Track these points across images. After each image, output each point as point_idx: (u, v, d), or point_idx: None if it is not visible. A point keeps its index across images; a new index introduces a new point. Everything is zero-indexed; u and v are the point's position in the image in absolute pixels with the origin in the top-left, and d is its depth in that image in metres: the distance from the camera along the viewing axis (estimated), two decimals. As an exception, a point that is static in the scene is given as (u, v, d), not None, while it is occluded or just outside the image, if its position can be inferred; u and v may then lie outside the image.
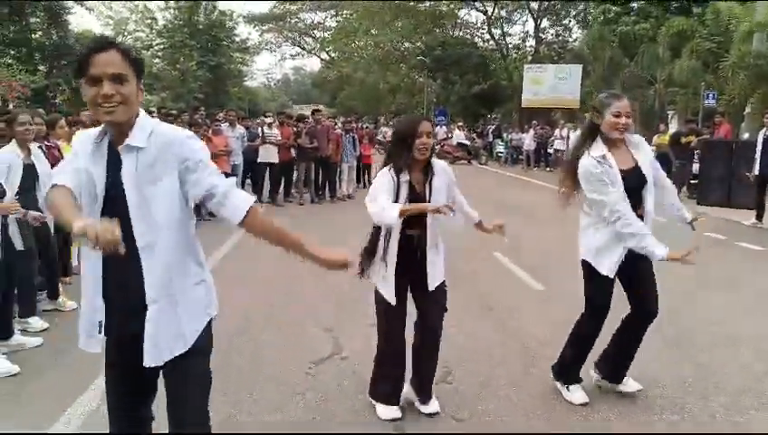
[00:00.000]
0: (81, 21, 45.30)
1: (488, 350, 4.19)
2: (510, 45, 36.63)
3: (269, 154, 11.35)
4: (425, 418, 3.21)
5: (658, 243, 3.09)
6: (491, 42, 36.67)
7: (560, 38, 35.54)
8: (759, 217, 9.55)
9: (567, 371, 3.48)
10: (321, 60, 49.50)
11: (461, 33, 37.98)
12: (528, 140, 21.66)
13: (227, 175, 8.36)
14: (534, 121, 22.68)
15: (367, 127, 21.71)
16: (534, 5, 34.08)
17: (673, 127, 15.81)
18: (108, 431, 2.06)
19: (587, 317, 3.39)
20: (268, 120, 11.92)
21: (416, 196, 3.03)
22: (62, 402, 3.35)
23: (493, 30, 36.05)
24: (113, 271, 1.85)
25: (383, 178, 3.00)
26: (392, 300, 3.06)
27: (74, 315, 4.90)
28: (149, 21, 35.36)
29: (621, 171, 3.14)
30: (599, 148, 3.20)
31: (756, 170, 9.41)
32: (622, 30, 24.73)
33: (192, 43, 32.43)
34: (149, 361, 1.87)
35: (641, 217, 3.18)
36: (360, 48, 42.71)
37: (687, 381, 3.71)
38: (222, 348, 4.21)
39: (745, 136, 13.95)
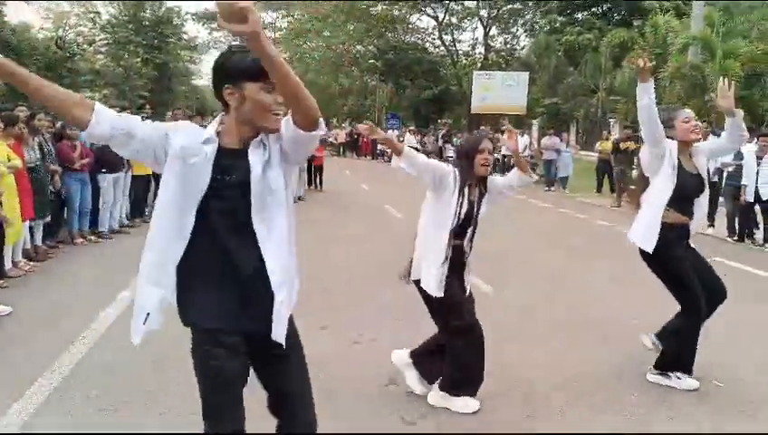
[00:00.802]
0: (18, 13, 43.17)
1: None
2: (460, 52, 37.21)
3: None
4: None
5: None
6: (441, 48, 37.17)
7: (508, 46, 36.34)
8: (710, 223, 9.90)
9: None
10: (272, 60, 48.94)
11: (412, 39, 38.31)
12: (476, 145, 22.01)
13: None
14: (483, 127, 23.06)
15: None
16: (484, 13, 34.75)
17: (615, 134, 16.39)
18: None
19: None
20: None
21: (469, 207, 3.24)
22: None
23: (443, 36, 36.56)
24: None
25: (447, 169, 3.21)
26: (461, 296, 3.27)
27: (6, 320, 4.70)
28: (92, 15, 34.15)
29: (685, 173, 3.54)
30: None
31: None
32: (567, 39, 25.55)
33: (137, 39, 31.51)
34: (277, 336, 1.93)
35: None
36: (312, 49, 42.47)
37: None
38: (164, 348, 4.10)
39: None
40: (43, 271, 6.30)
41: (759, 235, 8.94)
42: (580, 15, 27.69)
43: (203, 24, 42.19)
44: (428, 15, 36.53)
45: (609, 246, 8.40)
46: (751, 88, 16.33)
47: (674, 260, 3.59)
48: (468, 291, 3.37)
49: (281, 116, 1.85)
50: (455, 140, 24.53)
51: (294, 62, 43.70)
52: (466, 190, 3.21)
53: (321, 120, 1.86)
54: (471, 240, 3.32)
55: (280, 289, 1.92)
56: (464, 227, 3.24)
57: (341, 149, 29.40)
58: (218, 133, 1.92)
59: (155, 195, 9.99)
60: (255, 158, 1.88)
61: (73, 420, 3.16)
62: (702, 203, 3.72)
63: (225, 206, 1.89)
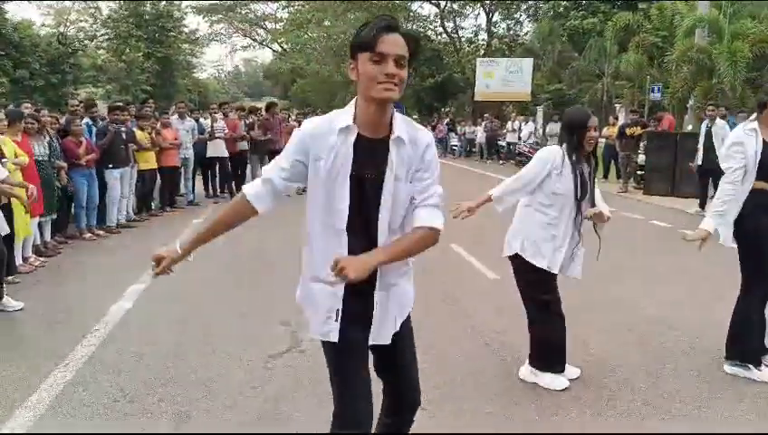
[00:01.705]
0: (19, 10, 43.11)
1: (447, 339, 4.22)
2: (463, 39, 36.94)
3: (218, 148, 11.11)
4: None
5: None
6: (444, 35, 36.89)
7: (511, 32, 36.02)
8: (702, 205, 9.92)
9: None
10: (273, 51, 48.80)
11: (414, 27, 38.05)
12: (480, 133, 21.90)
13: (176, 169, 8.16)
14: (486, 115, 22.94)
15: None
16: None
17: (621, 119, 16.26)
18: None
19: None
20: (217, 115, 11.58)
21: (582, 180, 3.31)
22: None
23: (445, 23, 36.28)
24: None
25: (548, 160, 3.29)
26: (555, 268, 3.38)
27: (20, 316, 4.72)
28: (93, 10, 34.07)
29: None
30: None
31: (699, 161, 9.80)
32: (571, 24, 25.28)
33: (138, 33, 31.42)
34: (375, 339, 2.00)
35: None
36: (313, 40, 42.27)
37: (647, 365, 3.82)
38: (176, 341, 4.12)
39: (689, 128, 14.48)
40: (52, 266, 6.32)
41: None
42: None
43: (203, 17, 42.03)
44: (430, 3, 36.26)
45: (616, 232, 8.36)
46: (760, 69, 16.14)
47: None
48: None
49: (391, 86, 1.80)
50: (458, 128, 24.43)
51: (295, 52, 43.65)
52: (577, 166, 3.29)
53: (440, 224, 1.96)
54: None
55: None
56: (579, 201, 3.33)
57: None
58: (354, 119, 1.89)
59: (161, 189, 10.02)
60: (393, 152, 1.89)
61: (90, 410, 3.17)
62: None
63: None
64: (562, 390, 3.42)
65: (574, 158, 3.29)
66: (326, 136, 1.88)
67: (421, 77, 34.31)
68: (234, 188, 11.42)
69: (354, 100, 1.93)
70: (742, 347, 3.66)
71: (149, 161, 9.17)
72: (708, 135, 9.67)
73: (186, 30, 37.89)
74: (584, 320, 4.43)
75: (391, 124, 1.89)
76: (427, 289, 5.32)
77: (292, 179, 1.99)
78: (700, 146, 9.81)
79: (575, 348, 3.75)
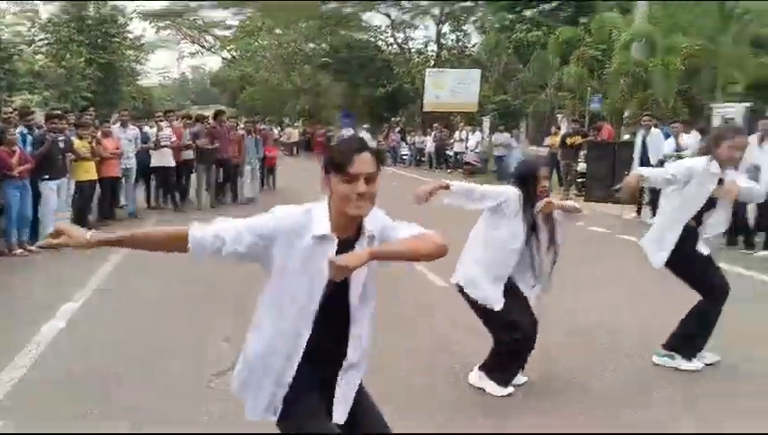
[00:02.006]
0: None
1: (398, 348, 4.25)
2: (413, 49, 37.35)
3: (163, 158, 10.84)
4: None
5: None
6: (394, 46, 37.22)
7: (460, 43, 36.66)
8: (638, 211, 10.33)
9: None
10: (222, 59, 48.15)
11: (365, 37, 38.26)
12: (430, 143, 22.19)
13: (117, 180, 7.93)
14: (436, 125, 23.25)
15: (270, 128, 21.44)
16: (436, 11, 34.97)
17: (563, 129, 16.76)
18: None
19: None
20: (163, 123, 11.30)
21: (530, 227, 3.48)
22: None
23: (396, 34, 36.64)
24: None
25: (512, 194, 3.45)
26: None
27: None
28: (31, 14, 32.82)
29: None
30: None
31: (635, 168, 10.20)
32: (517, 37, 25.93)
33: (80, 38, 30.43)
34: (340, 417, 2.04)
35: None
36: (264, 47, 41.93)
37: (590, 368, 3.94)
38: (112, 363, 4.00)
39: (626, 137, 15.04)
40: (-20, 284, 6.04)
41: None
42: (528, 13, 28.15)
43: (149, 23, 41.15)
44: (381, 13, 36.55)
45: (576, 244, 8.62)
46: (690, 82, 16.95)
47: None
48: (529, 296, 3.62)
49: (363, 204, 1.93)
50: (408, 137, 24.66)
51: (245, 60, 43.17)
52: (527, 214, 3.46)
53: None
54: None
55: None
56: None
57: (294, 149, 29.13)
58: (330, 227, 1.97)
59: (100, 200, 9.67)
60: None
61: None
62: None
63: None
64: (507, 395, 3.51)
65: (530, 205, 3.46)
66: (301, 235, 1.95)
67: (372, 87, 34.50)
68: (178, 199, 11.18)
69: (327, 204, 2.00)
70: (690, 345, 3.90)
71: (89, 172, 8.88)
72: (644, 144, 10.10)
73: (131, 36, 36.96)
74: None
75: (360, 223, 2.00)
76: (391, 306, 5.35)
77: (242, 256, 1.98)
78: (636, 155, 10.22)
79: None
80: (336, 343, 2.01)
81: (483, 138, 20.66)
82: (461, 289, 3.57)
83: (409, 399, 3.50)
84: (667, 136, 9.99)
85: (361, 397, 2.13)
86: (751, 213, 7.74)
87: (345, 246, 1.96)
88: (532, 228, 3.48)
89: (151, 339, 4.48)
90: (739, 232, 7.78)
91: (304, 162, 24.76)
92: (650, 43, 15.75)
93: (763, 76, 17.17)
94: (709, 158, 3.82)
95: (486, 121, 23.98)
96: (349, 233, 1.98)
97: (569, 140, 13.50)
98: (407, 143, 24.49)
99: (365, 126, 26.55)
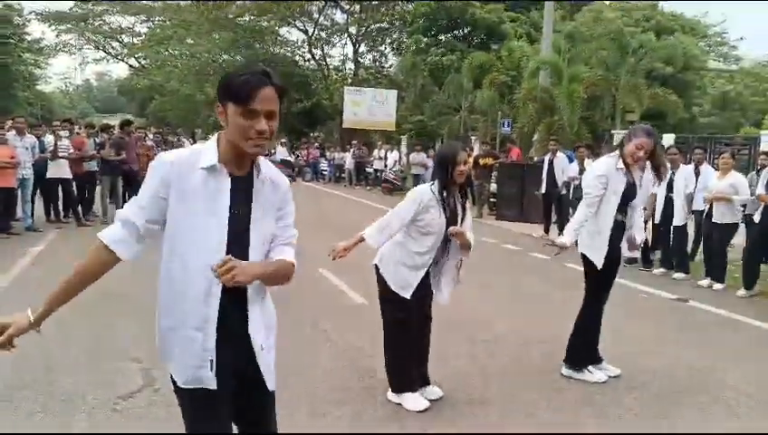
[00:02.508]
0: None
1: (314, 364, 4.19)
2: (330, 66, 37.52)
3: (60, 169, 10.14)
4: None
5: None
6: (312, 62, 37.24)
7: (377, 63, 37.24)
8: (546, 230, 10.83)
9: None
10: (130, 66, 46.19)
11: (282, 51, 38.03)
12: (349, 160, 22.31)
13: (12, 190, 7.43)
14: (354, 142, 23.44)
15: (177, 139, 20.77)
16: (353, 30, 35.37)
17: (476, 150, 17.37)
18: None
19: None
20: (62, 132, 10.57)
21: (451, 213, 3.52)
22: None
23: (313, 50, 36.68)
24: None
25: (418, 196, 3.50)
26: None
27: None
28: None
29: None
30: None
31: (543, 189, 10.77)
32: (432, 60, 26.69)
33: (-30, 38, 28.31)
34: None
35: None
36: (175, 57, 40.65)
37: (503, 377, 4.05)
38: (9, 384, 3.68)
39: (534, 159, 15.80)
40: None
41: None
42: (443, 37, 29.06)
43: (49, 26, 38.85)
44: (298, 29, 36.49)
45: (472, 255, 8.86)
46: (592, 109, 18.12)
47: None
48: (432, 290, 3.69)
49: (261, 142, 1.82)
50: (327, 153, 24.66)
51: (154, 69, 41.66)
52: (447, 200, 3.51)
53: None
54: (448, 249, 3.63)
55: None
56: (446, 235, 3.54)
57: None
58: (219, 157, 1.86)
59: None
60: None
61: None
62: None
63: None
64: (424, 410, 3.54)
65: (445, 193, 3.51)
66: (190, 172, 1.82)
67: (289, 102, 34.24)
68: (80, 212, 10.52)
69: (216, 136, 1.90)
70: (576, 353, 4.15)
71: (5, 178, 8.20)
72: (550, 166, 10.65)
73: (28, 38, 34.76)
74: (443, 338, 4.61)
75: (253, 162, 1.90)
76: (295, 314, 5.26)
77: (153, 219, 1.84)
78: (544, 176, 10.76)
79: (436, 365, 3.89)
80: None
81: (400, 156, 21.02)
82: (377, 268, 3.63)
83: (324, 411, 3.46)
84: (570, 160, 10.58)
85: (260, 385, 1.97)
86: (648, 232, 8.31)
87: (240, 182, 1.87)
88: (452, 213, 3.54)
89: (53, 357, 4.15)
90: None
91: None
92: (556, 72, 16.69)
93: (657, 105, 18.70)
94: (617, 156, 4.02)
95: (404, 141, 24.44)
96: (242, 171, 1.88)
97: (482, 161, 13.98)
98: (326, 159, 24.49)
99: (282, 140, 26.28)
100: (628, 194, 4.02)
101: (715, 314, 6.04)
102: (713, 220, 7.14)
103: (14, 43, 31.78)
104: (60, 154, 10.02)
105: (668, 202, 7.66)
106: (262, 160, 1.92)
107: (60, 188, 10.27)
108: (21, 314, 1.87)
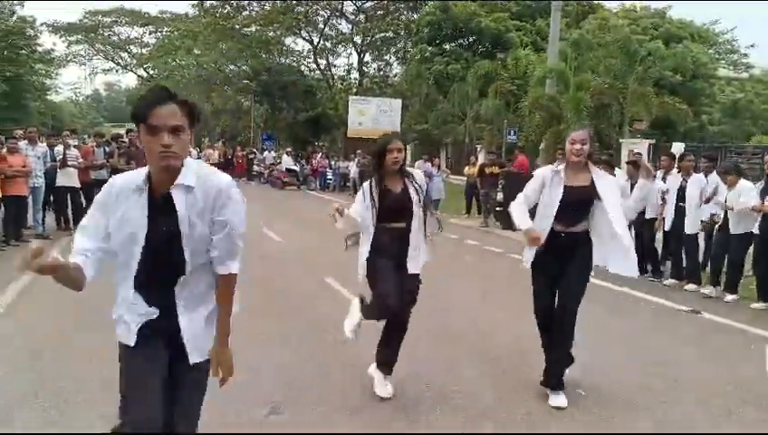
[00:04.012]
0: None
1: (326, 375, 4.18)
2: (335, 76, 37.72)
3: (69, 178, 10.22)
4: None
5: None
6: (317, 71, 37.45)
7: (381, 72, 37.41)
8: None
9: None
10: (138, 76, 46.60)
11: (287, 61, 38.28)
12: (354, 168, 22.33)
13: (23, 199, 7.47)
14: (359, 151, 23.48)
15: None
16: (358, 40, 35.58)
17: (481, 159, 17.37)
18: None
19: None
20: (71, 141, 10.67)
21: (393, 198, 3.70)
22: None
23: (318, 60, 36.89)
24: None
25: (362, 189, 3.78)
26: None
27: None
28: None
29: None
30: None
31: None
32: (436, 69, 26.77)
33: (-17, 50, 28.64)
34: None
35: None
36: (182, 67, 41.00)
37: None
38: (26, 388, 3.69)
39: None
40: None
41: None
42: (448, 46, 29.19)
43: (60, 37, 39.32)
44: (303, 39, 36.73)
45: (478, 263, 8.86)
46: (600, 118, 18.09)
47: None
48: (410, 272, 3.76)
49: (169, 154, 1.93)
50: (332, 162, 24.71)
51: (162, 79, 41.99)
52: (376, 185, 3.70)
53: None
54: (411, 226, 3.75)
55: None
56: (399, 212, 3.71)
57: (214, 171, 28.38)
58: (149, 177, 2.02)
59: (4, 220, 8.94)
60: (180, 203, 2.01)
61: None
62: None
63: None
64: (389, 398, 3.74)
65: (377, 178, 3.72)
66: (127, 192, 2.03)
67: (295, 111, 34.44)
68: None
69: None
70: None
71: (-5, 189, 8.27)
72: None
73: (40, 49, 35.13)
74: (447, 349, 4.61)
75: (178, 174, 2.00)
76: (303, 323, 5.26)
77: (107, 236, 2.06)
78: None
79: (442, 376, 3.84)
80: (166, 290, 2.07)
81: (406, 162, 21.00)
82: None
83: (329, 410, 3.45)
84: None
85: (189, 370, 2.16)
86: (658, 242, 8.25)
87: (164, 199, 2.00)
88: (396, 198, 3.70)
89: (49, 375, 4.16)
90: (646, 260, 8.24)
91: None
92: (563, 80, 16.72)
93: (666, 114, 18.63)
94: (557, 163, 3.94)
95: (409, 150, 24.46)
96: (169, 186, 1.99)
97: (487, 170, 13.96)
98: (331, 168, 24.53)
99: (288, 149, 26.40)
100: (571, 199, 3.71)
101: (731, 327, 5.95)
102: (731, 232, 7.00)
103: (26, 55, 32.10)
104: (69, 163, 10.11)
105: (679, 211, 7.58)
106: (188, 168, 2.00)
107: (68, 197, 10.34)
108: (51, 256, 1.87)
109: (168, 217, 1.99)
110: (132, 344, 2.09)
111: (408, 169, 3.85)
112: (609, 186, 3.77)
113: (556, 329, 3.87)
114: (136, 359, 2.10)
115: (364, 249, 3.76)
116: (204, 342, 2.16)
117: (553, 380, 3.84)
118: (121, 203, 2.01)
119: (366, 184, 3.79)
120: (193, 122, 2.00)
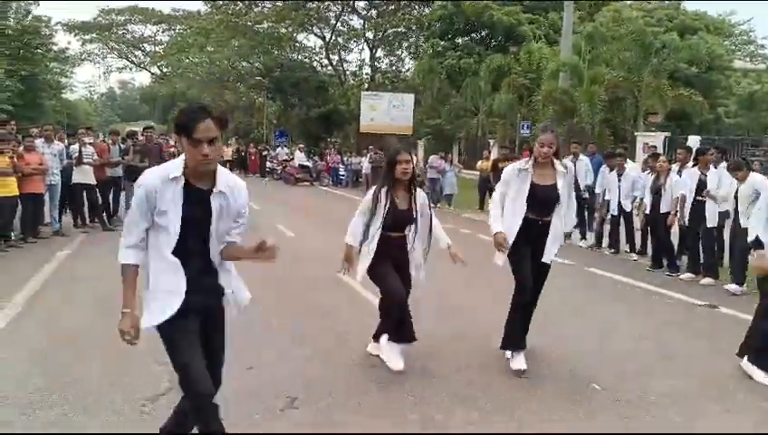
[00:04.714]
0: None
1: (341, 371, 4.19)
2: (347, 72, 37.68)
3: (85, 175, 10.31)
4: None
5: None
6: (329, 67, 37.42)
7: (393, 67, 37.31)
8: (583, 235, 10.54)
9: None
10: (152, 74, 46.90)
11: (300, 57, 38.29)
12: (366, 164, 22.29)
13: (40, 196, 7.60)
14: (371, 146, 23.45)
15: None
16: (370, 35, 35.49)
17: (494, 154, 17.29)
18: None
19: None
20: (86, 139, 10.75)
21: (398, 214, 4.06)
22: None
23: (330, 56, 36.86)
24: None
25: (368, 196, 4.12)
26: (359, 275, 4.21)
27: None
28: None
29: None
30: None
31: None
32: (449, 63, 26.62)
33: (0, 49, 28.91)
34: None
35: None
36: (195, 64, 41.18)
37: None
38: (42, 386, 3.74)
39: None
40: None
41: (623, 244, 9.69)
42: (460, 40, 29.04)
43: (75, 35, 39.64)
44: (315, 35, 36.72)
45: (490, 259, 8.79)
46: (614, 111, 17.91)
47: None
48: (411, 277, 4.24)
49: (208, 161, 2.42)
50: (345, 158, 24.69)
51: (175, 77, 42.22)
52: (386, 195, 4.03)
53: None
54: (413, 238, 4.20)
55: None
56: (401, 225, 4.11)
57: (228, 167, 28.38)
58: (184, 172, 2.47)
59: (22, 217, 9.07)
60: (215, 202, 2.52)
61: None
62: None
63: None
64: (398, 371, 4.04)
65: (386, 188, 4.04)
66: (163, 182, 2.44)
67: (307, 107, 34.47)
68: (105, 218, 10.67)
69: (184, 155, 2.46)
70: (505, 337, 4.37)
71: (9, 188, 8.36)
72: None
73: (55, 48, 35.45)
74: (455, 345, 4.60)
75: (215, 177, 2.49)
76: (318, 317, 5.28)
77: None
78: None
79: (452, 375, 3.83)
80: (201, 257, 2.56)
81: (417, 161, 20.91)
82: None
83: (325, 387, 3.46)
84: (598, 164, 10.30)
85: (220, 322, 2.69)
86: (674, 236, 8.16)
87: (200, 194, 2.47)
88: (399, 211, 4.06)
89: (76, 355, 4.21)
90: (662, 254, 8.16)
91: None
92: (577, 73, 16.57)
93: (681, 107, 18.39)
94: (526, 160, 4.30)
95: (421, 145, 24.40)
96: (205, 184, 2.48)
97: (500, 165, 13.86)
98: (343, 164, 24.50)
99: (300, 145, 26.43)
100: (538, 196, 4.16)
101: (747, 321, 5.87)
102: (741, 225, 6.92)
103: (41, 53, 32.41)
104: (84, 160, 10.20)
105: (697, 205, 7.49)
106: (221, 175, 2.51)
107: (84, 195, 10.43)
108: (130, 316, 2.55)
109: (201, 209, 2.48)
110: (170, 319, 2.48)
111: (418, 181, 4.27)
112: (568, 184, 4.30)
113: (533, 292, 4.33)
114: (180, 333, 2.51)
115: (366, 258, 4.11)
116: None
117: (522, 342, 4.31)
118: (160, 195, 2.44)
119: (374, 191, 4.09)
120: (223, 130, 2.50)
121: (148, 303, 2.54)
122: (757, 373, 4.20)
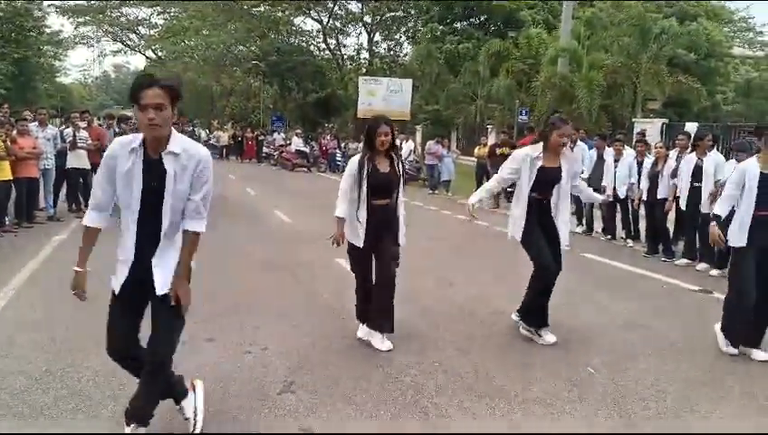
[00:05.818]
0: None
1: (338, 355, 4.19)
2: (345, 56, 37.42)
3: (80, 160, 10.22)
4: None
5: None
6: (326, 51, 37.17)
7: (391, 52, 37.07)
8: (587, 224, 10.51)
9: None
10: (147, 58, 46.46)
11: (297, 41, 38.01)
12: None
13: (34, 180, 7.59)
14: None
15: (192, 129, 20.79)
16: (368, 19, 35.22)
17: (492, 140, 17.24)
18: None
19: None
20: (80, 123, 10.64)
21: (381, 177, 4.20)
22: None
23: (328, 40, 36.59)
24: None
25: (351, 165, 4.25)
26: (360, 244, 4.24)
27: None
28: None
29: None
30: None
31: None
32: (447, 48, 26.45)
33: (-9, 31, 28.62)
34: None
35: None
36: (191, 48, 40.82)
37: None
38: (37, 372, 3.73)
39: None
40: None
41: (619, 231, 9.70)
42: (459, 25, 28.84)
43: (68, 18, 39.20)
44: (312, 19, 36.41)
45: (488, 243, 8.83)
46: (612, 97, 17.85)
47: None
48: (396, 241, 4.37)
49: (155, 127, 2.53)
50: (342, 144, 24.58)
51: (171, 60, 41.82)
52: (368, 161, 4.17)
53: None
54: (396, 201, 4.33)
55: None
56: (385, 188, 4.24)
57: (224, 152, 28.21)
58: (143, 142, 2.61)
59: (16, 202, 9.02)
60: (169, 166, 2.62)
61: None
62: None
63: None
64: (387, 351, 4.19)
65: (368, 156, 4.19)
66: (125, 153, 2.61)
67: (304, 92, 34.28)
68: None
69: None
70: (527, 315, 4.61)
71: (3, 171, 8.30)
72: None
73: (48, 30, 35.08)
74: (459, 327, 4.60)
75: (168, 143, 2.59)
76: (314, 302, 5.28)
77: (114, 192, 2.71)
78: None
79: (457, 352, 3.84)
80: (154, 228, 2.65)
81: (415, 146, 20.85)
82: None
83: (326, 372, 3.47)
84: (591, 148, 10.39)
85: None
86: (670, 222, 8.16)
87: (158, 166, 2.60)
88: (384, 176, 4.22)
89: (61, 356, 4.20)
90: (659, 240, 8.16)
91: (235, 166, 24.23)
92: (575, 59, 16.49)
93: (679, 93, 18.33)
94: (534, 146, 4.51)
95: (419, 130, 24.29)
96: (159, 152, 2.59)
97: (498, 150, 13.84)
98: (341, 150, 24.40)
99: (298, 130, 26.29)
100: (545, 178, 4.44)
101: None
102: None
103: (34, 36, 32.07)
104: (78, 145, 10.11)
105: (694, 191, 7.48)
106: (175, 139, 2.61)
107: (81, 178, 10.35)
108: (77, 275, 2.78)
109: (158, 176, 2.59)
110: (118, 291, 2.73)
111: (398, 144, 4.40)
112: (572, 165, 4.59)
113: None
114: (119, 300, 2.77)
115: (355, 223, 4.22)
116: (170, 279, 2.71)
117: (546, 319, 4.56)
118: (119, 162, 2.60)
119: (356, 160, 4.23)
120: (175, 101, 2.58)
121: (115, 270, 2.75)
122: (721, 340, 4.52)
